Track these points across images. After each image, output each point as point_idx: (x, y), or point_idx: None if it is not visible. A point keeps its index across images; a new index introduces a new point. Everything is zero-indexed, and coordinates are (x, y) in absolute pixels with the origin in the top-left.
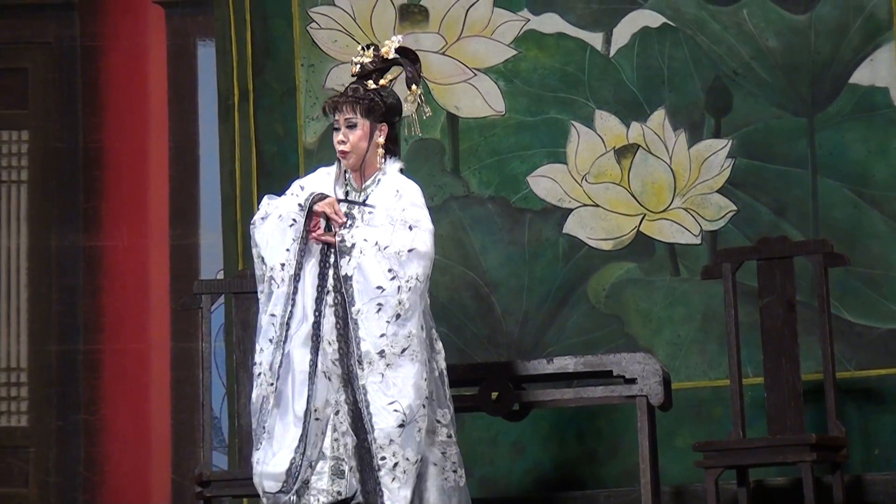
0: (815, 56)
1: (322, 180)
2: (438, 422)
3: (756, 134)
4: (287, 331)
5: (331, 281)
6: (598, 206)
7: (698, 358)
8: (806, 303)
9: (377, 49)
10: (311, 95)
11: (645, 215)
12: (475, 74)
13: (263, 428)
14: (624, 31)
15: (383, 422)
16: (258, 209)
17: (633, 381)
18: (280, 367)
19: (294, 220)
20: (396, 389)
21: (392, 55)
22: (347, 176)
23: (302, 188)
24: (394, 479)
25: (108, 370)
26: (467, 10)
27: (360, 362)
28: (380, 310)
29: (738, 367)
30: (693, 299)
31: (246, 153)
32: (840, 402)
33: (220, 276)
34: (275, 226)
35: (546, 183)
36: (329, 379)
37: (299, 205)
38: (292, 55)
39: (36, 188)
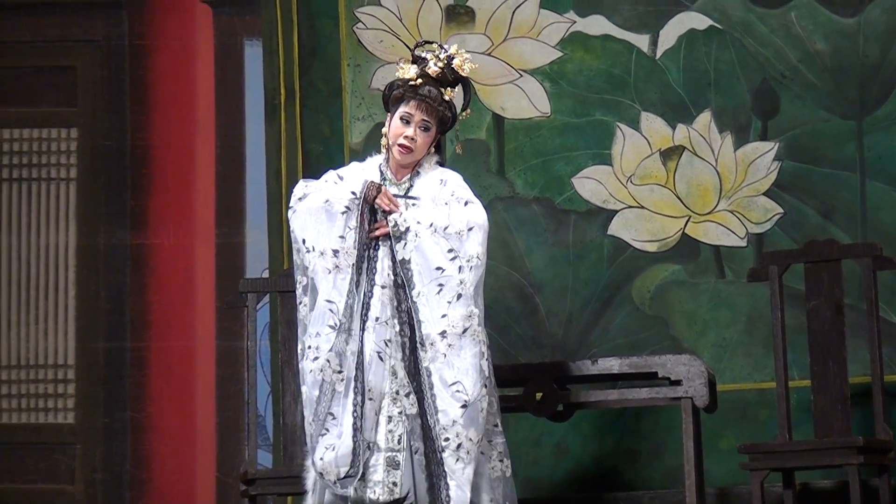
0: (863, 59)
1: (359, 174)
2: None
3: (803, 137)
4: (352, 317)
5: (383, 263)
6: (643, 207)
7: (743, 360)
8: (853, 305)
9: (449, 57)
10: (357, 96)
11: (690, 217)
12: (521, 76)
13: (331, 415)
14: (670, 34)
15: (446, 403)
16: (293, 193)
17: (678, 382)
18: (347, 353)
19: (347, 207)
20: (458, 370)
21: (465, 73)
22: (382, 169)
23: (340, 178)
24: (457, 459)
25: (154, 367)
26: (513, 12)
27: (422, 344)
28: (440, 290)
29: (785, 370)
30: (738, 302)
31: (292, 153)
32: (888, 405)
33: (266, 274)
34: (321, 210)
35: (591, 184)
36: (382, 360)
37: (353, 192)
38: (338, 55)
39: (84, 186)
